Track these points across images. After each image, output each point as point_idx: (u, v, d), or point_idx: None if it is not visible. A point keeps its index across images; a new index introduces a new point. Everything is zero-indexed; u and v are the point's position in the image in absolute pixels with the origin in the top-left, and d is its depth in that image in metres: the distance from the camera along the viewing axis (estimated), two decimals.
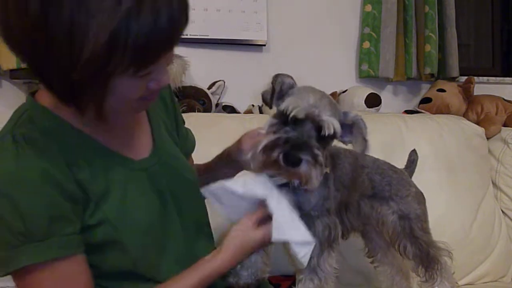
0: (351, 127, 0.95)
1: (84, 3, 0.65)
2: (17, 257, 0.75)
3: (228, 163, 1.09)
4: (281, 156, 0.84)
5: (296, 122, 0.87)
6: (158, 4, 0.68)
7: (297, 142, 0.85)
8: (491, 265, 1.82)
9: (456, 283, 1.18)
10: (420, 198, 1.19)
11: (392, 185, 1.14)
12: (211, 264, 0.89)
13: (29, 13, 0.66)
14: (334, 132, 0.88)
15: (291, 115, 0.87)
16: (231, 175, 1.08)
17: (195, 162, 1.20)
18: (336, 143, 0.98)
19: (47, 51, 0.68)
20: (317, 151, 0.85)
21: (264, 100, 0.97)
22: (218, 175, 1.04)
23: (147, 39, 0.68)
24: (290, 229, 0.88)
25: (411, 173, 1.29)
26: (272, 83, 0.94)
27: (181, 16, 0.73)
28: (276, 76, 0.94)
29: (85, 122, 0.83)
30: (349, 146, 0.98)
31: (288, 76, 0.95)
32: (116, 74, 0.70)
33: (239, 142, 1.04)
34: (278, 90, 0.93)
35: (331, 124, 0.87)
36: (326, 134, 0.87)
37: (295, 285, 0.98)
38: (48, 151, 0.78)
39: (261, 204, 0.90)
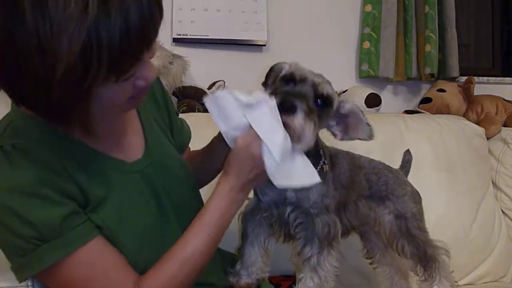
0: (345, 118, 0.95)
1: (48, 16, 0.61)
2: (39, 260, 0.75)
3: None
4: (278, 102, 0.83)
5: (295, 83, 0.89)
6: (126, 3, 0.64)
7: (294, 93, 0.86)
8: (491, 265, 1.82)
9: (455, 281, 1.18)
10: (416, 197, 1.19)
11: (388, 184, 1.15)
12: (218, 191, 0.88)
13: None
14: (330, 97, 0.89)
15: (292, 74, 0.89)
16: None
17: None
18: (333, 143, 0.98)
19: (21, 73, 0.64)
20: (312, 108, 0.86)
21: (263, 84, 0.99)
22: (216, 157, 1.04)
23: (121, 43, 0.64)
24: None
25: (406, 173, 1.29)
26: (271, 67, 0.98)
27: (153, 9, 0.68)
28: (276, 64, 0.98)
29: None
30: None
31: (287, 63, 0.97)
32: (97, 86, 0.66)
33: None
34: (277, 74, 0.95)
35: (329, 88, 0.89)
36: (324, 94, 0.88)
37: (295, 285, 0.98)
38: (41, 158, 0.77)
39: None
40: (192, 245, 0.86)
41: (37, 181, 0.75)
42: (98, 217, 0.82)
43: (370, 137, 0.94)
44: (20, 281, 0.80)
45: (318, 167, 0.97)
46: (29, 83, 0.65)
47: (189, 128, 1.17)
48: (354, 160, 1.13)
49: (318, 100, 0.89)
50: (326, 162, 0.99)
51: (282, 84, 0.92)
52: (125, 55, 0.66)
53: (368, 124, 0.94)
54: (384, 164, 1.20)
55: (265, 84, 1.00)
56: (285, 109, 0.83)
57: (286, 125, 0.84)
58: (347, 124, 0.95)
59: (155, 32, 0.70)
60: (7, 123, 0.81)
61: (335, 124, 0.96)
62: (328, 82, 0.92)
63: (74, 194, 0.79)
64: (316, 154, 0.97)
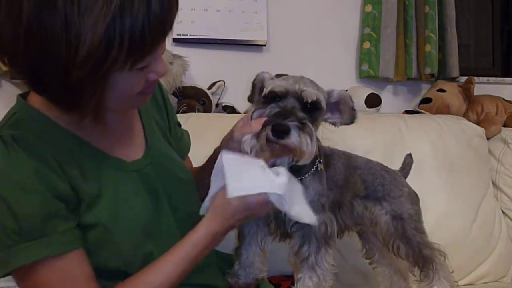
0: (338, 105, 0.97)
1: (76, 1, 0.64)
2: (14, 257, 0.75)
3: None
4: (269, 131, 0.84)
5: (279, 99, 0.90)
6: None
7: (281, 113, 0.87)
8: (491, 265, 1.82)
9: (455, 282, 1.18)
10: (413, 198, 1.19)
11: (384, 185, 1.15)
12: (196, 233, 0.88)
13: (23, 18, 0.65)
14: (318, 101, 0.90)
15: (273, 92, 0.89)
16: None
17: (194, 164, 1.19)
18: (330, 140, 0.98)
19: (42, 56, 0.67)
20: (302, 118, 0.86)
21: (249, 100, 1.01)
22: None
23: (142, 30, 0.67)
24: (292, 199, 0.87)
25: (405, 175, 1.29)
26: (253, 82, 0.98)
27: (172, 2, 0.72)
28: (256, 76, 0.98)
29: (78, 124, 0.82)
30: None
31: (267, 72, 0.98)
32: (115, 70, 0.69)
33: (230, 133, 1.02)
34: (260, 86, 0.96)
35: (313, 93, 0.89)
36: (309, 101, 0.89)
37: (294, 285, 0.98)
38: (38, 151, 0.78)
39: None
40: (166, 273, 0.86)
41: (32, 174, 0.75)
42: (92, 215, 0.82)
43: (353, 121, 0.97)
44: None
45: (314, 166, 0.97)
46: (50, 64, 0.67)
47: (189, 139, 1.17)
48: (350, 160, 1.13)
49: (307, 106, 0.89)
50: (321, 161, 0.99)
51: (266, 102, 0.92)
52: (144, 41, 0.69)
53: (353, 109, 0.96)
54: (382, 165, 1.21)
55: (251, 100, 1.01)
56: (279, 133, 0.84)
57: (285, 148, 0.86)
58: (340, 110, 0.97)
59: (171, 23, 0.74)
60: (11, 114, 0.82)
61: (331, 115, 0.98)
62: (311, 83, 0.92)
63: (66, 194, 0.79)
64: None
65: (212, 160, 1.06)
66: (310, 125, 0.86)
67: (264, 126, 0.86)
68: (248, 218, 0.93)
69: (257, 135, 0.86)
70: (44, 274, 0.77)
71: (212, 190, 0.91)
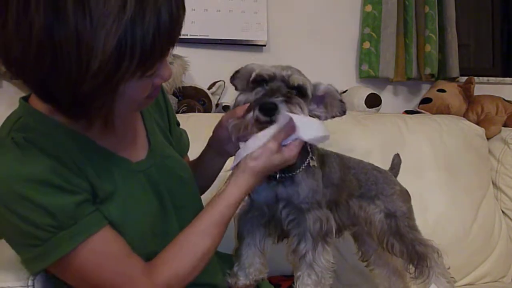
0: (323, 99, 0.98)
1: (88, 12, 0.63)
2: (57, 247, 0.76)
3: (215, 146, 1.08)
4: (257, 111, 0.85)
5: (266, 83, 0.91)
6: (159, 2, 0.68)
7: (267, 93, 0.87)
8: (491, 265, 1.82)
9: (452, 277, 1.18)
10: (405, 196, 1.21)
11: (377, 184, 1.17)
12: (227, 194, 0.91)
13: (33, 30, 0.64)
14: (304, 86, 0.91)
15: (260, 75, 0.91)
16: (218, 167, 1.11)
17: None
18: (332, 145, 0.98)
19: (52, 70, 0.66)
20: (289, 94, 0.87)
21: (231, 82, 1.02)
22: (207, 167, 1.09)
23: (153, 40, 0.67)
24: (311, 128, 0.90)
25: (395, 175, 1.31)
26: (238, 69, 1.00)
27: (180, 9, 0.72)
28: (245, 66, 1.00)
29: (85, 127, 0.82)
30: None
31: (257, 64, 0.99)
32: (125, 80, 0.70)
33: (220, 121, 1.05)
34: (248, 76, 0.97)
35: (300, 78, 0.91)
36: (296, 85, 0.90)
37: (294, 284, 0.98)
38: (52, 151, 0.78)
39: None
40: (205, 230, 0.89)
41: (49, 171, 0.75)
42: (105, 211, 0.82)
43: (343, 112, 0.98)
44: (32, 273, 0.80)
45: (306, 162, 0.97)
46: (60, 77, 0.67)
47: (188, 139, 1.17)
48: (343, 160, 1.14)
49: (293, 90, 0.90)
50: (313, 157, 1.00)
51: (254, 86, 0.93)
52: (154, 52, 0.69)
53: (341, 101, 0.97)
54: (373, 165, 1.22)
55: (232, 82, 1.02)
56: (267, 111, 0.85)
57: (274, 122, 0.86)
58: (326, 104, 0.98)
59: (179, 31, 0.74)
60: (16, 118, 0.82)
61: (316, 107, 0.98)
62: (298, 72, 0.94)
63: (84, 187, 0.80)
64: (304, 149, 0.97)
65: (208, 147, 1.10)
66: (298, 98, 0.87)
67: (251, 109, 0.87)
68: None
69: (243, 116, 0.88)
70: (84, 258, 0.78)
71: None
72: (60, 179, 0.76)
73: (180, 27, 0.74)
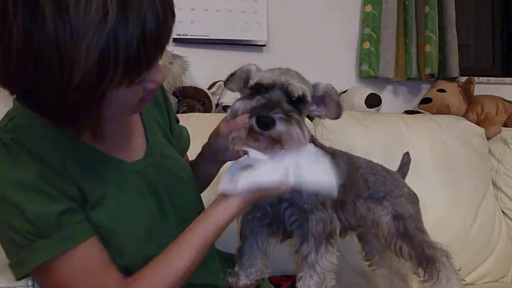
0: (323, 98, 0.97)
1: (68, 21, 0.61)
2: (33, 255, 0.74)
3: (210, 155, 1.07)
4: (254, 122, 0.84)
5: (265, 90, 0.89)
6: (143, 9, 0.64)
7: (266, 105, 0.86)
8: (491, 265, 1.82)
9: (463, 280, 1.17)
10: (413, 198, 1.19)
11: (386, 185, 1.15)
12: (215, 217, 0.88)
13: (13, 37, 0.61)
14: (304, 96, 0.90)
15: (259, 84, 0.89)
16: (212, 173, 1.11)
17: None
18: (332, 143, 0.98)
19: (36, 78, 0.64)
20: (289, 110, 0.86)
21: (225, 85, 1.00)
22: (202, 171, 1.08)
23: (137, 48, 0.65)
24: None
25: (403, 175, 1.29)
26: (234, 71, 0.98)
27: (168, 16, 0.69)
28: (241, 67, 0.99)
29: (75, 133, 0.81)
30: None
31: (254, 64, 0.99)
32: (111, 89, 0.67)
33: (217, 128, 1.03)
34: (245, 77, 0.96)
35: (299, 87, 0.89)
36: (296, 96, 0.89)
37: (295, 283, 0.97)
38: (42, 155, 0.77)
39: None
40: (186, 251, 0.86)
41: (37, 176, 0.75)
42: (96, 216, 0.81)
43: (338, 116, 0.97)
44: (16, 278, 0.78)
45: None
46: (45, 89, 0.65)
47: (188, 136, 1.16)
48: (352, 160, 1.13)
49: (293, 99, 0.89)
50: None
51: (252, 94, 0.91)
52: (140, 60, 0.67)
53: (338, 104, 0.96)
54: (382, 165, 1.21)
55: (226, 84, 1.01)
56: (263, 124, 0.83)
57: (272, 140, 0.85)
58: (326, 103, 0.97)
59: (168, 37, 0.71)
60: (9, 118, 0.81)
61: (316, 107, 0.97)
62: (298, 76, 0.92)
63: (73, 195, 0.79)
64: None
65: (203, 151, 1.09)
66: (296, 116, 0.86)
67: (249, 117, 0.86)
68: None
69: (244, 130, 0.87)
70: (65, 267, 0.76)
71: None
72: (47, 186, 0.75)
73: (169, 33, 0.71)
